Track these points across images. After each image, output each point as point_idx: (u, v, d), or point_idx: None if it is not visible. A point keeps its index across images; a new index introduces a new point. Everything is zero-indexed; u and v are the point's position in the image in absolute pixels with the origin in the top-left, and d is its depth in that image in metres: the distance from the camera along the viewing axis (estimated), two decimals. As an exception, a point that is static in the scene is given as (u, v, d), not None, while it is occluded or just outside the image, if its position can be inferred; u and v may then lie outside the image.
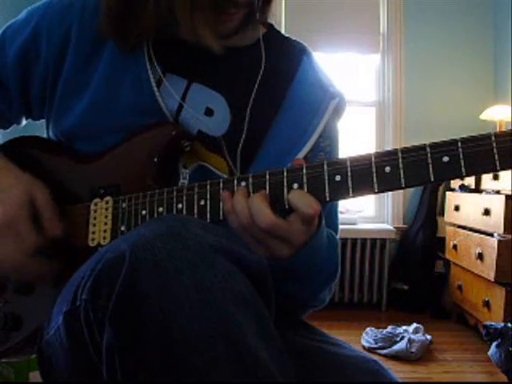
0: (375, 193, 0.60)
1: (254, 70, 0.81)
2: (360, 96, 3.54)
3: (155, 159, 0.75)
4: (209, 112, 0.79)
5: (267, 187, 0.63)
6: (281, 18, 3.40)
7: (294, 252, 0.63)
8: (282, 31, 0.90)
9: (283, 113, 0.80)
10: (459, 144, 0.56)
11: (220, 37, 0.76)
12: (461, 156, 0.56)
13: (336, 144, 0.85)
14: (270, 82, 0.81)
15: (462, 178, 2.82)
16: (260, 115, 0.79)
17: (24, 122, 0.93)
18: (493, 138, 0.55)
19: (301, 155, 0.78)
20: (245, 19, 0.76)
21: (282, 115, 0.80)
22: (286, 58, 0.84)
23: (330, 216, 0.82)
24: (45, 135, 0.90)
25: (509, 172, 2.35)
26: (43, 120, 0.89)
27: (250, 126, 0.78)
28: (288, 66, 0.83)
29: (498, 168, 0.55)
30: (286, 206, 0.61)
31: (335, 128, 0.85)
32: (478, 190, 2.73)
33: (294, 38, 0.90)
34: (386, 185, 0.59)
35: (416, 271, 3.14)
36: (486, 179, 2.65)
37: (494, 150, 0.55)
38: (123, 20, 0.76)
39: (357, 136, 3.49)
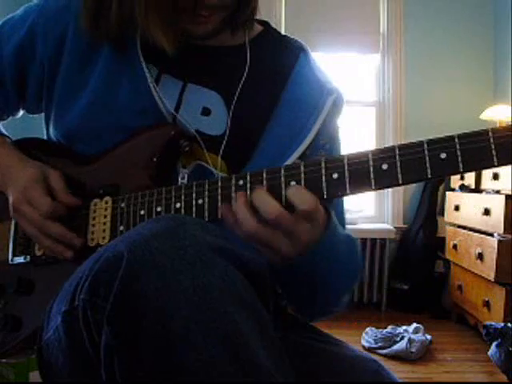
0: (373, 190, 0.60)
1: (248, 67, 0.81)
2: (360, 96, 3.54)
3: (154, 159, 0.75)
4: (206, 112, 0.79)
5: (265, 185, 0.63)
6: (281, 18, 3.40)
7: (300, 250, 0.62)
8: (282, 31, 0.91)
9: (280, 110, 0.80)
10: (456, 140, 0.56)
11: (198, 37, 0.77)
12: (458, 152, 0.56)
13: (336, 142, 0.85)
14: (267, 80, 0.81)
15: (460, 176, 2.82)
16: (257, 113, 0.79)
17: (21, 113, 0.94)
18: (490, 134, 0.55)
19: (298, 153, 0.77)
20: (225, 21, 0.76)
21: (279, 112, 0.79)
22: (283, 55, 0.84)
23: (336, 214, 0.82)
24: (44, 136, 0.90)
25: (509, 172, 2.35)
26: (42, 120, 0.89)
27: (247, 123, 0.78)
28: (285, 63, 0.83)
29: (496, 164, 0.55)
30: (283, 203, 0.61)
31: (334, 125, 0.85)
32: (478, 189, 2.73)
33: (291, 37, 0.90)
34: (384, 182, 0.59)
35: (416, 271, 3.14)
36: (486, 179, 2.65)
37: (492, 145, 0.54)
38: (96, 17, 0.76)
39: (357, 136, 3.49)
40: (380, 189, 0.60)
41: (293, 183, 0.62)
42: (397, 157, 0.58)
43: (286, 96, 0.80)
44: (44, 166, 0.79)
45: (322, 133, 0.80)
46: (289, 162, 0.76)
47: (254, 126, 0.78)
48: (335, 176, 0.61)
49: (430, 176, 0.57)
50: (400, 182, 0.58)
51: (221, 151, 0.76)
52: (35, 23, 0.83)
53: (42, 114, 0.89)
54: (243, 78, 0.79)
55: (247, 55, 0.82)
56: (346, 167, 0.60)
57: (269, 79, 0.81)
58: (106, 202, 0.75)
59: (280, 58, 0.84)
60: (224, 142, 0.76)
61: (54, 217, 0.74)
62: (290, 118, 0.79)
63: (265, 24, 0.88)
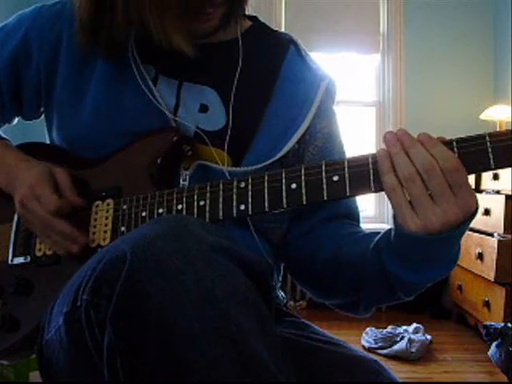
0: (373, 192, 0.61)
1: (240, 61, 0.81)
2: (360, 96, 3.54)
3: (157, 164, 0.76)
4: (203, 108, 0.80)
5: (266, 187, 0.64)
6: (281, 18, 3.41)
7: (450, 223, 0.61)
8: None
9: (275, 100, 0.81)
10: (454, 144, 0.58)
11: (202, 36, 0.77)
12: (456, 155, 0.57)
13: (334, 126, 0.86)
14: (260, 72, 0.82)
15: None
16: (253, 105, 0.80)
17: (16, 120, 0.94)
18: (487, 138, 0.56)
19: (296, 138, 0.79)
20: (225, 15, 0.77)
21: (275, 102, 0.81)
22: (273, 47, 0.86)
23: (351, 204, 0.83)
24: (45, 140, 0.90)
25: (509, 172, 2.35)
26: (42, 124, 0.89)
27: (244, 116, 0.79)
28: (276, 54, 0.85)
29: (493, 167, 0.56)
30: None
31: (330, 109, 0.86)
32: (478, 189, 2.73)
33: (280, 30, 0.91)
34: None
35: (416, 271, 3.14)
36: (486, 179, 2.65)
37: (489, 149, 0.56)
38: (95, 30, 0.76)
39: (357, 136, 3.49)
40: (380, 191, 0.60)
41: (293, 185, 0.63)
42: None
43: (280, 86, 0.82)
44: (50, 165, 0.79)
45: (319, 116, 0.82)
46: (287, 146, 0.78)
47: (251, 117, 0.79)
48: (335, 178, 0.61)
49: None
50: None
51: (225, 146, 0.77)
52: (29, 30, 0.83)
53: (43, 120, 0.89)
54: (237, 72, 0.80)
55: (239, 49, 0.82)
56: (347, 170, 0.61)
57: (262, 71, 0.83)
58: (108, 204, 0.75)
59: (271, 51, 0.85)
60: (228, 136, 0.77)
61: (60, 214, 0.74)
62: (286, 106, 0.81)
63: (253, 19, 0.90)
